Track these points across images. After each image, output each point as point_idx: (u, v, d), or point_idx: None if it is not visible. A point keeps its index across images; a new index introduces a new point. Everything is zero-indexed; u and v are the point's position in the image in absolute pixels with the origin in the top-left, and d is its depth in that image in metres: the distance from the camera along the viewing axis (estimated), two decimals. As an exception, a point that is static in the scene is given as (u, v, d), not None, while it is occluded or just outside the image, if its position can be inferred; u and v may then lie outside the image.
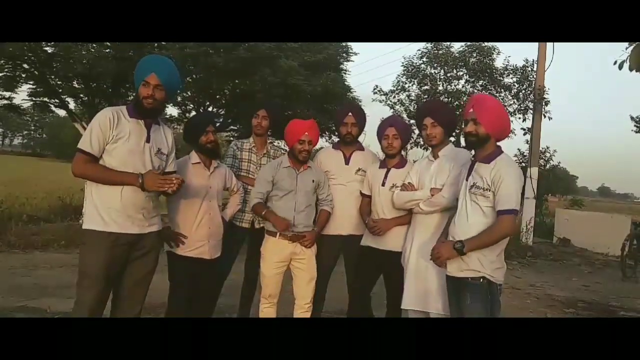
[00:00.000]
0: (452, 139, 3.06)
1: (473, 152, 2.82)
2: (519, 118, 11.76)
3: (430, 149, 3.31)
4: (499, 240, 2.55)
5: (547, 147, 13.79)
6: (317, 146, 3.75)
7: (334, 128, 9.21)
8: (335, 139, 3.68)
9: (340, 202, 3.54)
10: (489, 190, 2.53)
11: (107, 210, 2.57)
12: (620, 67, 3.73)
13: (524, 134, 11.99)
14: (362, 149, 3.75)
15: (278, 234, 3.33)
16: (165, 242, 3.13)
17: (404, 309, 3.16)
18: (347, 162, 3.64)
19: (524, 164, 12.61)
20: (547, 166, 14.09)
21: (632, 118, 13.34)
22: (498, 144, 2.70)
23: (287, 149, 3.53)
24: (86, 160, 2.55)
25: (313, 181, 3.41)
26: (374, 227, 3.33)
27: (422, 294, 3.04)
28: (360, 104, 11.74)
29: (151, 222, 2.75)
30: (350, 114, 3.65)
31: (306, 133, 3.35)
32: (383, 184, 3.39)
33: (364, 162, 3.63)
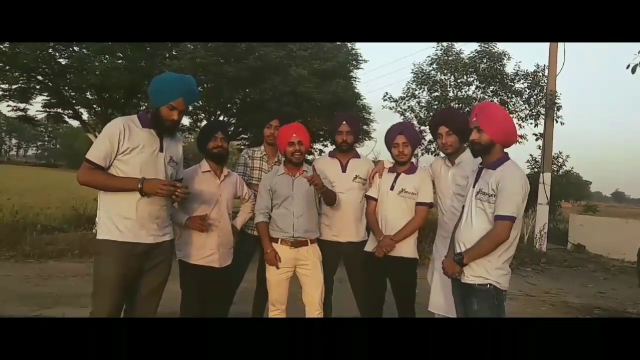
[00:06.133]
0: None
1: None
2: (531, 123, 11.56)
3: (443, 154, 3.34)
4: (496, 246, 2.54)
5: (560, 153, 13.66)
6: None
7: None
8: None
9: (339, 210, 3.53)
10: (494, 196, 2.54)
11: (122, 220, 2.58)
12: (633, 71, 3.72)
13: (536, 140, 11.82)
14: (358, 156, 3.77)
15: (280, 239, 3.34)
16: (192, 229, 3.13)
17: (430, 312, 3.25)
18: (344, 169, 3.65)
19: (536, 170, 12.49)
20: (560, 171, 13.94)
21: (645, 122, 13.21)
22: (506, 150, 2.69)
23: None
24: (91, 169, 2.55)
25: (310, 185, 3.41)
26: (387, 247, 3.29)
27: (448, 299, 3.05)
28: (370, 111, 11.77)
29: (164, 231, 2.76)
30: (344, 122, 3.66)
31: (294, 135, 3.39)
32: (392, 188, 3.40)
33: (361, 169, 3.64)
